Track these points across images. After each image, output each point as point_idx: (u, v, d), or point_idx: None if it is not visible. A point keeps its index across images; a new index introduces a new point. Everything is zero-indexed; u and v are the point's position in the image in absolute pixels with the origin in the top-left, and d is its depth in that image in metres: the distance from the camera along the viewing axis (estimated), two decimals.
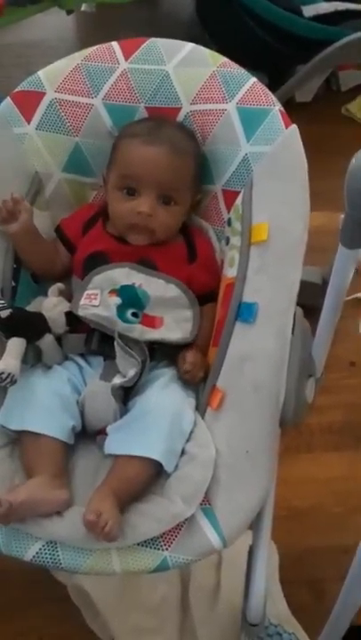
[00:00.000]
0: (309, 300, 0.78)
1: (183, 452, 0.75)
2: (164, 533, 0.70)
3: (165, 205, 0.85)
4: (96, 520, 0.65)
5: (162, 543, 0.70)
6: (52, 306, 0.83)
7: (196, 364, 0.81)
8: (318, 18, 1.50)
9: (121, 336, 0.80)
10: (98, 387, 0.80)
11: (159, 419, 0.75)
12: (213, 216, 0.92)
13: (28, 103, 0.88)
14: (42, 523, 0.69)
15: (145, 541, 0.70)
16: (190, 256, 0.89)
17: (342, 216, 0.78)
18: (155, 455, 0.72)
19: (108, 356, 0.82)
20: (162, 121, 0.88)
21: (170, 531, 0.70)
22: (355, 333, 1.38)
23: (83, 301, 0.83)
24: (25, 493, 0.68)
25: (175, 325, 0.84)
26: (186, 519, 0.70)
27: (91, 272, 0.85)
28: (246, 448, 0.73)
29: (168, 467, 0.73)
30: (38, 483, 0.71)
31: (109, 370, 0.81)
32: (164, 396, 0.79)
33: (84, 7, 1.98)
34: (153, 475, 0.73)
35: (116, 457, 0.74)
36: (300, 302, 0.75)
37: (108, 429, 0.77)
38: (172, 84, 0.88)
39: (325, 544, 1.15)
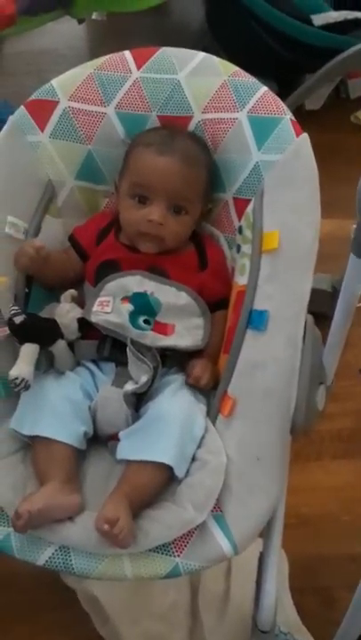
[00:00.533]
0: (319, 308, 0.79)
1: (194, 459, 0.75)
2: (175, 540, 0.70)
3: (176, 214, 0.86)
4: (109, 528, 0.66)
5: (173, 549, 0.70)
6: (64, 312, 0.84)
7: (205, 373, 0.82)
8: (328, 26, 1.50)
9: (133, 342, 0.81)
10: (110, 393, 0.81)
11: (170, 424, 0.76)
12: (224, 224, 0.92)
13: (41, 112, 0.89)
14: (54, 528, 0.70)
15: (156, 547, 0.70)
16: (201, 264, 0.90)
17: (354, 226, 0.78)
18: (166, 460, 0.72)
19: (120, 362, 0.83)
20: (175, 130, 0.88)
21: (181, 537, 0.70)
22: None
23: (95, 308, 0.83)
24: (41, 501, 0.68)
25: (186, 332, 0.84)
26: (197, 526, 0.70)
27: (103, 279, 0.85)
28: (257, 455, 0.73)
29: (179, 472, 0.73)
30: (52, 489, 0.71)
31: (121, 376, 0.82)
32: (175, 402, 0.79)
33: (94, 15, 1.99)
34: (165, 480, 0.73)
35: (128, 463, 0.75)
36: (310, 310, 0.76)
37: (120, 435, 0.78)
38: (184, 93, 0.89)
39: (335, 552, 1.14)
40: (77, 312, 0.84)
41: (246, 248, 0.84)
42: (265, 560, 0.81)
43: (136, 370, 0.80)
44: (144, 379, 0.79)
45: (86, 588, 1.06)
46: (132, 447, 0.75)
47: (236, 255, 0.89)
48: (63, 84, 0.90)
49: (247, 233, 0.85)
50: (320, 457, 1.26)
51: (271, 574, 0.80)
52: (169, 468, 0.72)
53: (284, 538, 0.81)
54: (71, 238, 0.93)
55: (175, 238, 0.87)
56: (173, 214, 0.85)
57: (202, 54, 0.90)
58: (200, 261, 0.90)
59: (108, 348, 0.84)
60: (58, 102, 0.90)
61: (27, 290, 0.86)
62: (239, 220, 0.88)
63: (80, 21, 1.80)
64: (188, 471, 0.74)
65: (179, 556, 0.70)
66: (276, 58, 1.58)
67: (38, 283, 0.89)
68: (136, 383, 0.80)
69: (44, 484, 0.73)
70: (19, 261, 0.84)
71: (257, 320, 0.77)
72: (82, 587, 1.07)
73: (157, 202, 0.85)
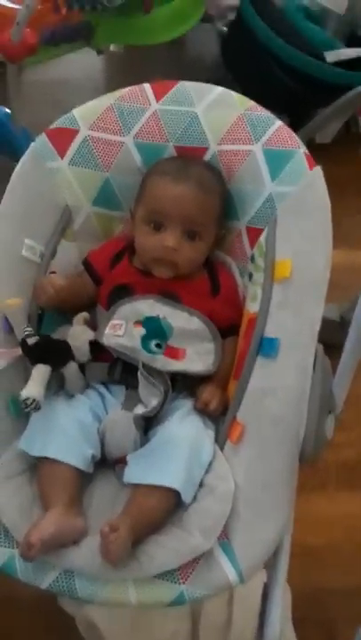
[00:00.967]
0: (327, 337, 0.79)
1: (202, 484, 0.75)
2: (180, 567, 0.70)
3: (190, 240, 0.87)
4: (108, 533, 0.66)
5: (179, 577, 0.70)
6: (77, 335, 0.85)
7: (213, 398, 0.82)
8: (340, 63, 1.54)
9: (144, 366, 0.82)
10: (119, 416, 0.81)
11: (179, 449, 0.76)
12: (237, 252, 0.94)
13: (62, 139, 0.92)
14: (59, 551, 0.70)
15: (162, 574, 0.70)
16: (213, 290, 0.91)
17: None
18: (175, 485, 0.72)
19: (130, 385, 0.84)
20: (190, 160, 0.90)
21: (187, 564, 0.70)
22: None
23: (107, 331, 0.84)
24: (51, 527, 0.68)
25: (197, 357, 0.85)
26: (203, 553, 0.70)
27: (116, 303, 0.86)
28: (265, 482, 0.73)
29: (186, 497, 0.73)
30: (57, 514, 0.71)
31: (131, 399, 0.83)
32: (184, 427, 0.79)
33: (112, 47, 2.05)
34: (172, 505, 0.73)
35: (136, 486, 0.75)
36: (318, 339, 0.77)
37: (128, 458, 0.78)
38: (201, 125, 0.91)
39: (339, 584, 1.13)
40: (89, 335, 0.85)
41: (258, 276, 0.86)
42: (270, 591, 0.81)
43: (146, 393, 0.81)
44: (154, 402, 0.80)
45: (86, 615, 1.04)
46: (140, 471, 0.75)
47: (247, 283, 0.90)
48: (84, 114, 0.93)
49: (259, 261, 0.86)
50: (325, 487, 1.25)
51: (276, 606, 0.80)
52: (176, 494, 0.72)
53: (288, 567, 0.81)
54: (85, 262, 0.94)
55: (189, 264, 0.88)
56: (188, 240, 0.87)
57: (219, 89, 0.93)
58: (212, 288, 0.91)
59: (118, 370, 0.85)
60: (78, 131, 0.92)
61: (40, 311, 0.88)
62: (252, 248, 0.90)
63: (99, 52, 1.84)
64: (195, 497, 0.74)
65: (184, 583, 0.69)
66: (289, 92, 1.62)
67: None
68: (146, 407, 0.80)
69: (47, 507, 0.73)
70: (38, 297, 0.86)
71: (268, 347, 0.78)
72: (81, 613, 1.05)
73: (172, 228, 0.86)
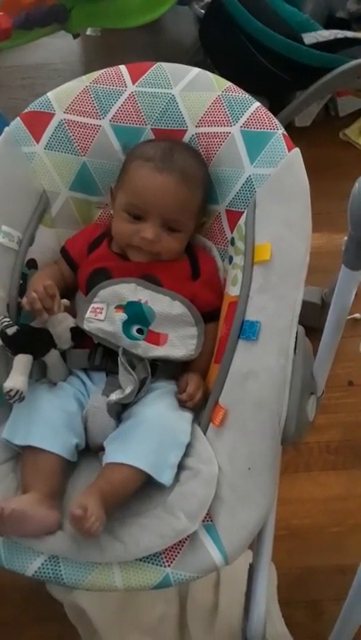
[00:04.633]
0: (308, 320, 0.80)
1: (186, 467, 0.75)
2: (165, 550, 0.70)
3: (169, 231, 0.86)
4: (81, 514, 0.65)
5: (164, 559, 0.70)
6: (57, 322, 0.84)
7: (197, 392, 0.82)
8: (318, 45, 1.53)
9: (125, 352, 0.81)
10: (99, 402, 0.81)
11: (150, 430, 0.76)
12: (217, 235, 0.93)
13: (37, 123, 0.90)
14: (43, 537, 0.69)
15: (147, 557, 0.70)
16: (194, 274, 0.90)
17: (345, 238, 0.80)
18: (142, 465, 0.72)
19: (111, 371, 0.83)
20: (174, 145, 0.88)
21: (172, 547, 0.70)
22: (352, 353, 1.39)
23: (88, 314, 0.83)
24: (16, 504, 0.68)
25: (179, 342, 0.84)
26: (188, 535, 0.70)
27: (97, 286, 0.85)
28: (248, 465, 0.73)
29: (161, 478, 0.73)
30: (30, 499, 0.71)
31: (111, 385, 0.82)
32: (157, 408, 0.79)
33: (89, 31, 2.01)
34: (140, 483, 0.73)
35: (107, 464, 0.75)
36: (299, 322, 0.77)
37: (105, 443, 0.78)
38: (178, 107, 0.91)
39: (323, 564, 1.14)
40: (70, 321, 0.84)
41: (238, 259, 0.85)
42: (255, 572, 0.81)
43: (126, 380, 0.80)
44: (128, 389, 0.79)
45: (74, 601, 1.05)
46: (112, 452, 0.75)
47: (228, 266, 0.90)
48: (59, 97, 0.91)
49: (239, 244, 0.86)
50: (309, 469, 1.27)
51: (261, 586, 0.81)
52: (145, 474, 0.72)
53: (273, 549, 0.82)
54: (62, 250, 0.93)
55: (169, 253, 0.87)
56: (167, 231, 0.86)
57: (196, 70, 0.92)
58: (193, 271, 0.91)
59: (99, 357, 0.84)
60: (54, 114, 0.91)
61: (19, 300, 0.87)
62: (231, 231, 0.90)
63: (75, 36, 1.81)
64: (179, 479, 0.74)
65: (169, 565, 0.70)
66: (268, 75, 1.60)
67: None
68: (122, 393, 0.80)
69: (25, 493, 0.72)
70: (33, 307, 0.80)
71: (249, 330, 0.78)
72: (69, 599, 1.06)
73: (151, 220, 0.85)
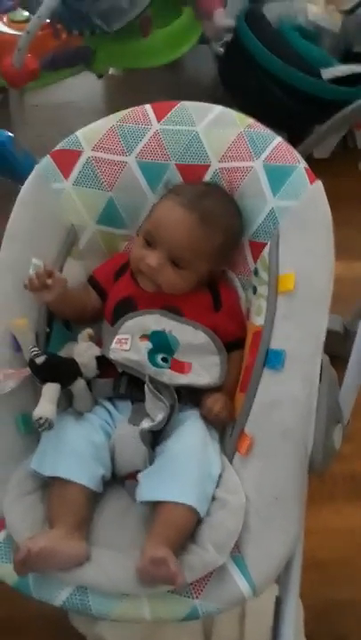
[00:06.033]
0: (330, 349, 0.80)
1: (213, 498, 0.75)
2: (193, 581, 0.70)
3: (174, 266, 0.87)
4: (162, 566, 0.66)
5: (192, 591, 0.70)
6: (82, 351, 0.85)
7: (217, 403, 0.83)
8: (336, 80, 1.57)
9: (151, 380, 0.82)
10: (126, 430, 0.82)
11: (188, 464, 0.76)
12: (240, 266, 0.95)
13: (66, 161, 0.94)
14: (70, 569, 0.70)
15: (175, 589, 0.69)
16: (215, 305, 0.92)
17: None
18: (191, 502, 0.72)
19: (136, 399, 0.84)
20: (212, 190, 0.90)
21: (200, 579, 0.70)
22: None
23: (113, 345, 0.85)
24: (43, 542, 0.68)
25: (203, 371, 0.85)
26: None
27: (122, 318, 0.87)
28: (275, 495, 0.73)
29: (202, 512, 0.73)
30: (58, 534, 0.71)
31: (137, 413, 0.83)
32: (190, 441, 0.80)
33: (112, 71, 2.08)
34: (194, 522, 0.73)
35: (157, 504, 0.74)
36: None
37: (140, 477, 0.78)
38: (202, 143, 0.93)
39: (350, 597, 1.12)
40: (95, 350, 0.86)
41: (262, 289, 0.87)
42: (283, 604, 0.80)
43: (153, 407, 0.81)
44: (160, 417, 0.80)
45: (98, 634, 1.04)
46: (154, 488, 0.75)
47: (251, 296, 0.91)
48: (87, 135, 0.95)
49: (263, 275, 0.88)
50: (333, 499, 1.25)
51: (289, 620, 0.79)
52: (194, 510, 0.72)
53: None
54: (90, 279, 0.95)
55: (171, 287, 0.88)
56: (172, 265, 0.87)
57: (219, 107, 0.95)
58: (214, 303, 0.92)
59: (124, 385, 0.85)
60: (82, 152, 0.94)
61: (48, 329, 0.89)
62: (255, 262, 0.91)
63: (100, 76, 1.87)
64: (208, 510, 0.74)
65: (197, 597, 0.69)
66: (286, 109, 1.64)
67: (58, 319, 0.91)
68: (152, 420, 0.80)
69: (52, 527, 0.73)
70: (32, 287, 0.83)
71: (274, 359, 0.79)
72: (93, 632, 1.04)
73: (159, 249, 0.87)
